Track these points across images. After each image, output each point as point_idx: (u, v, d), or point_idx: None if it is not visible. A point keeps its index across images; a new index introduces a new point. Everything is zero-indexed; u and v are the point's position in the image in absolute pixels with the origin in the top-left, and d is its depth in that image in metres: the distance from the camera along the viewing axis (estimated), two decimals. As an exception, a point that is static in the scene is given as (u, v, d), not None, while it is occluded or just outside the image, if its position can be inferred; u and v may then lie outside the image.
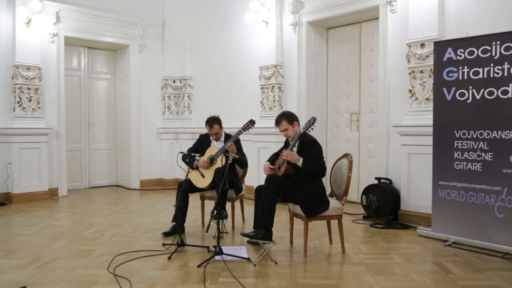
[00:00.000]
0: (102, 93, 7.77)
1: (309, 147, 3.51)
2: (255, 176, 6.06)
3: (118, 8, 7.30)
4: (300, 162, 3.44)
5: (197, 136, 4.68)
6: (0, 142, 6.09)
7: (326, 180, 5.35)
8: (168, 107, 7.90)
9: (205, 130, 4.45)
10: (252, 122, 4.22)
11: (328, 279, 2.93)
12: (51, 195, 6.41)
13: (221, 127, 4.40)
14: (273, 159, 3.85)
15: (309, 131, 3.53)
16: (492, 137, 3.61)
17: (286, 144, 3.81)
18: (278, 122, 3.69)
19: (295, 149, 3.56)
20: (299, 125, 3.69)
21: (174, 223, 4.11)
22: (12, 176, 6.01)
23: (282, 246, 3.76)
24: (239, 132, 4.14)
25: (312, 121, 3.48)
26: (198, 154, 4.00)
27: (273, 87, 6.11)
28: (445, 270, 3.11)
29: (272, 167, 3.69)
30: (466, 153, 3.78)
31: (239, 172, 4.59)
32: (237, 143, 4.27)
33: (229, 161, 3.67)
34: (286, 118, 3.66)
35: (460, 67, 3.79)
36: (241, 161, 4.26)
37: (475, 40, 3.70)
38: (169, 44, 7.85)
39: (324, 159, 3.60)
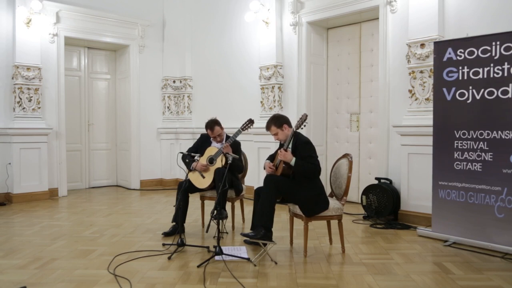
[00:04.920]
0: (102, 93, 7.77)
1: (302, 147, 3.51)
2: (255, 176, 6.06)
3: (118, 8, 7.30)
4: (292, 161, 3.46)
5: (197, 136, 4.68)
6: (0, 142, 6.09)
7: (326, 180, 5.37)
8: (168, 107, 7.90)
9: (205, 130, 4.44)
10: (251, 122, 4.22)
11: (328, 279, 2.94)
12: (51, 195, 6.41)
13: (221, 127, 4.37)
14: (272, 158, 3.86)
15: (302, 128, 3.54)
16: (492, 137, 3.61)
17: (282, 144, 3.81)
18: (267, 127, 3.74)
19: (289, 149, 3.56)
20: (289, 127, 3.69)
21: (174, 223, 4.11)
22: (12, 176, 6.01)
23: (282, 246, 3.76)
24: (238, 132, 4.14)
25: (303, 118, 3.51)
26: (197, 154, 4.00)
27: (273, 87, 6.11)
28: (445, 270, 3.11)
29: (272, 166, 3.69)
30: (466, 153, 3.78)
31: (239, 172, 4.59)
32: (237, 147, 4.25)
33: (229, 161, 3.67)
34: (275, 122, 3.69)
35: (460, 67, 3.79)
36: (237, 166, 4.19)
37: (475, 40, 3.70)
38: (169, 44, 7.85)
39: (319, 159, 3.60)
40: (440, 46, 3.94)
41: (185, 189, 3.98)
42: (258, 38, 6.38)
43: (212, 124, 4.30)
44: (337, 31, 6.00)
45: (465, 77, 3.76)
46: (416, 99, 4.54)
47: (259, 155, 6.11)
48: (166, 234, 4.08)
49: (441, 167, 3.95)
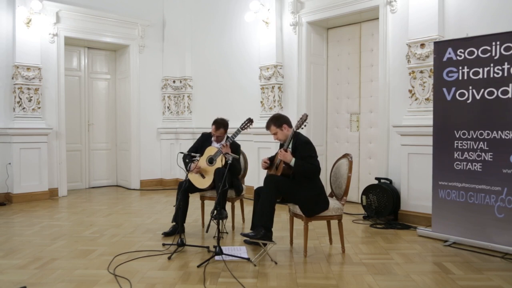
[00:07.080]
0: (102, 93, 7.77)
1: (302, 147, 3.51)
2: (255, 176, 6.06)
3: (118, 8, 7.30)
4: (292, 162, 3.46)
5: (197, 136, 4.66)
6: (0, 142, 6.09)
7: (326, 180, 5.37)
8: (168, 107, 7.90)
9: (205, 129, 4.43)
10: (250, 121, 4.22)
11: (328, 279, 2.94)
12: (51, 195, 6.41)
13: (226, 131, 4.35)
14: (272, 159, 3.87)
15: (302, 128, 3.54)
16: (492, 137, 3.61)
17: (282, 144, 3.81)
18: (267, 127, 3.76)
19: (289, 149, 3.56)
20: (289, 127, 3.69)
21: (174, 223, 4.11)
22: (12, 176, 6.01)
23: (282, 246, 3.76)
24: (238, 131, 4.14)
25: (304, 118, 3.52)
26: (198, 155, 3.99)
27: (273, 87, 6.11)
28: (445, 270, 3.11)
29: (267, 160, 3.76)
30: (466, 153, 3.78)
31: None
32: (236, 149, 4.24)
33: (229, 161, 3.67)
34: (274, 122, 3.70)
35: (460, 67, 3.79)
36: (235, 168, 4.16)
37: (475, 40, 3.70)
38: (169, 44, 7.85)
39: (319, 159, 3.60)
40: (440, 46, 3.94)
41: (185, 189, 3.98)
42: (258, 38, 6.38)
43: (220, 125, 4.24)
44: (337, 31, 6.00)
45: (465, 77, 3.76)
46: (416, 99, 4.54)
47: (259, 155, 6.10)
48: (166, 234, 4.08)
49: (441, 167, 3.94)
